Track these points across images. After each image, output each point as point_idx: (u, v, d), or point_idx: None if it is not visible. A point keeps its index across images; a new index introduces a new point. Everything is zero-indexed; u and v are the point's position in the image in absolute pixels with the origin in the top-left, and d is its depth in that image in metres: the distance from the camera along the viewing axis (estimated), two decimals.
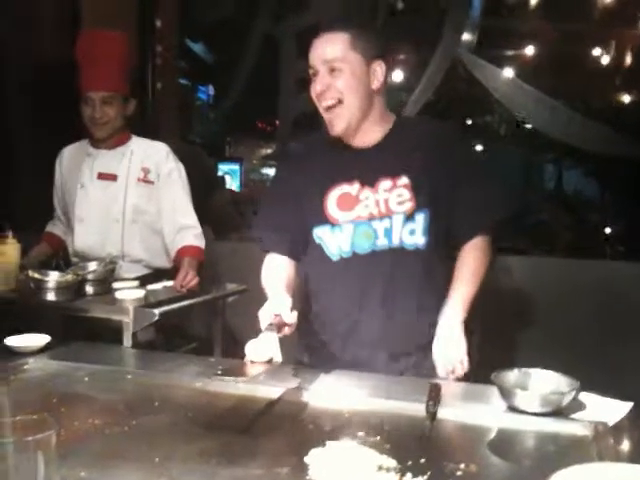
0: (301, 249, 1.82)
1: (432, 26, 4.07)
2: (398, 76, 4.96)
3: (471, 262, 1.75)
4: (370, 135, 1.76)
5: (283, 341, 1.52)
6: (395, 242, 1.72)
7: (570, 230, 5.72)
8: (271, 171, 8.43)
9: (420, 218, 1.71)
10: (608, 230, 6.19)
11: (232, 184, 8.39)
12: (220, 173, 7.50)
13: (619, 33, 4.68)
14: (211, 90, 7.91)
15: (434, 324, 1.72)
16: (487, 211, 1.78)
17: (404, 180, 1.72)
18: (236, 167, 9.18)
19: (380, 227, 1.72)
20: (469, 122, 7.83)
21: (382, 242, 1.72)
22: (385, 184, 1.72)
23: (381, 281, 1.72)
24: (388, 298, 1.72)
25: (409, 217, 1.71)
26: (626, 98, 4.73)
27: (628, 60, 4.61)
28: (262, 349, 1.47)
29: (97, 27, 3.46)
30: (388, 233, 1.72)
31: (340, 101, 1.69)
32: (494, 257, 1.80)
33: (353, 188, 1.74)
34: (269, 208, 1.91)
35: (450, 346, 1.66)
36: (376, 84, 1.72)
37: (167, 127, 4.55)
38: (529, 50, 4.60)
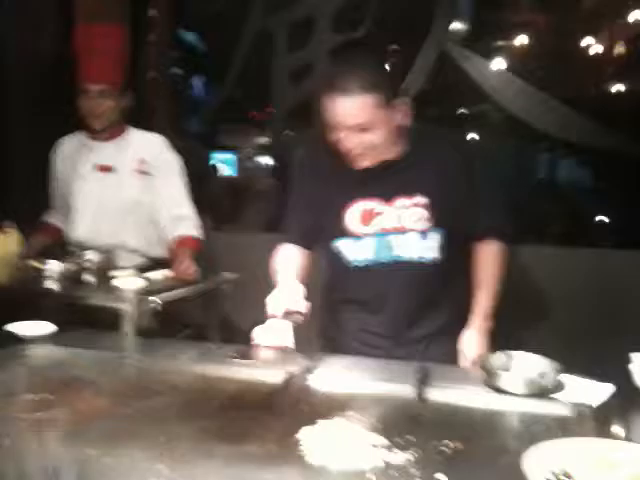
0: (315, 241, 1.91)
1: (423, 15, 4.10)
2: (391, 65, 5.00)
3: (489, 267, 1.86)
4: (387, 154, 1.79)
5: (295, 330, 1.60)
6: (413, 255, 1.80)
7: (562, 218, 5.78)
8: (265, 160, 8.44)
9: (435, 236, 1.80)
10: (600, 219, 6.26)
11: (227, 172, 8.42)
12: (213, 162, 7.54)
13: (611, 25, 4.73)
14: (204, 79, 7.91)
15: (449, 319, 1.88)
16: (499, 215, 1.89)
17: (420, 199, 1.78)
18: (230, 156, 9.21)
19: (397, 241, 1.80)
20: (462, 111, 7.87)
21: (401, 253, 1.80)
22: (402, 201, 1.79)
23: (399, 288, 1.82)
24: (405, 305, 1.83)
25: (424, 234, 1.79)
26: (616, 91, 4.78)
27: (620, 52, 4.66)
28: (270, 335, 1.54)
29: (91, 16, 3.49)
30: (405, 247, 1.80)
31: (369, 151, 1.72)
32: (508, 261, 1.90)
33: (371, 203, 1.81)
34: (293, 210, 1.96)
35: (474, 347, 1.82)
36: (402, 120, 1.73)
37: (161, 117, 4.58)
38: (521, 41, 4.64)
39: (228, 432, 1.25)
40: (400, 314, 1.84)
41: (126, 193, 2.65)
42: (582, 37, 4.62)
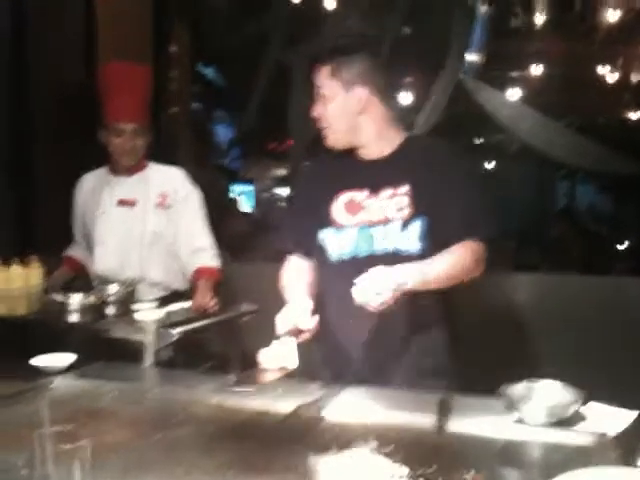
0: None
1: (439, 49, 4.15)
2: (408, 97, 5.06)
3: (454, 254, 1.77)
4: (376, 149, 1.88)
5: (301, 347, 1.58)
6: (391, 247, 1.80)
7: (582, 246, 5.74)
8: (283, 191, 8.54)
9: (416, 225, 1.80)
10: (621, 246, 6.21)
11: (245, 204, 8.51)
12: (233, 195, 7.62)
13: (624, 53, 4.74)
14: (223, 113, 8.04)
15: (430, 326, 1.85)
16: (477, 218, 1.85)
17: (404, 189, 1.82)
18: (249, 188, 9.32)
19: (378, 232, 1.82)
20: (480, 141, 7.93)
21: (380, 246, 1.81)
22: (387, 192, 1.83)
23: None
24: None
25: (406, 223, 1.80)
26: (630, 117, 4.78)
27: (633, 80, 4.67)
28: (275, 357, 1.54)
29: (113, 53, 3.59)
30: (385, 238, 1.81)
31: (327, 125, 1.85)
32: (482, 267, 1.83)
33: (358, 195, 1.86)
34: (289, 216, 2.10)
35: (373, 280, 1.60)
36: (359, 108, 1.83)
37: (181, 151, 4.65)
38: (534, 70, 4.66)
39: (248, 463, 1.25)
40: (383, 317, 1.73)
41: (148, 227, 2.69)
42: (596, 65, 4.64)
